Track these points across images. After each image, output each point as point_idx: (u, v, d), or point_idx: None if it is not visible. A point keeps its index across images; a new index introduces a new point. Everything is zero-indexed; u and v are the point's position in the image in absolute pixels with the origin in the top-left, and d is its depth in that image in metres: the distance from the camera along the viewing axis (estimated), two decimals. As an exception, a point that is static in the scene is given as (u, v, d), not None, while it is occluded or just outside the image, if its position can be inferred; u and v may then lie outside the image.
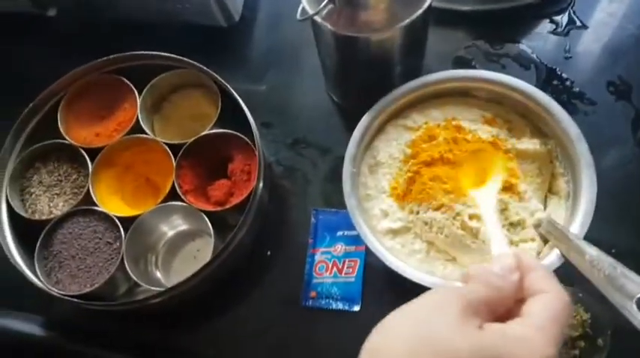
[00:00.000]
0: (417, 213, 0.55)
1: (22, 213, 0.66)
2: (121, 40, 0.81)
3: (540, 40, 0.75)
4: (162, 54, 0.70)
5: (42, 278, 0.62)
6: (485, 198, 0.54)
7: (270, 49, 0.80)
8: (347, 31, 0.56)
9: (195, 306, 0.65)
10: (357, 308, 0.63)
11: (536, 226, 0.54)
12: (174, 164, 0.64)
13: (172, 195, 0.64)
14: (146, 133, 0.67)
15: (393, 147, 0.60)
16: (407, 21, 0.55)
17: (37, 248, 0.63)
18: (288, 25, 0.81)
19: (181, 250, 0.69)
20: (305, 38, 0.76)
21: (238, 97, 0.66)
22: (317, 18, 0.56)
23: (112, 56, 0.71)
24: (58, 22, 0.82)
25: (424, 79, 0.60)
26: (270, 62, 0.79)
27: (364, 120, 0.59)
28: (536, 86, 0.59)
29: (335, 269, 0.65)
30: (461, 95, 0.62)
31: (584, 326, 0.56)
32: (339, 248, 0.66)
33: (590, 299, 0.56)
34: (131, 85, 0.70)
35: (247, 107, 0.65)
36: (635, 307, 0.41)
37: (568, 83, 0.71)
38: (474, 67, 0.73)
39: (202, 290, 0.62)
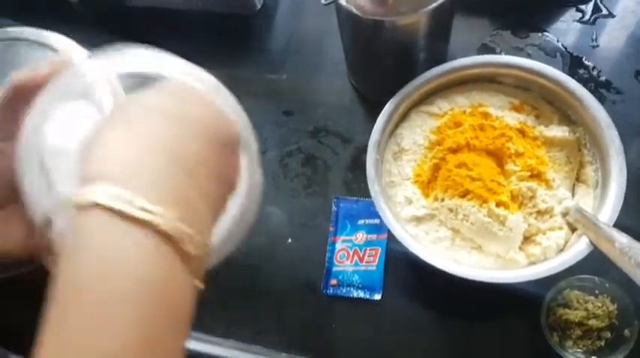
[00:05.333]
0: (442, 200, 0.55)
1: None
2: (142, 28, 0.82)
3: (566, 29, 0.74)
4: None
5: None
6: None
7: (292, 36, 0.80)
8: (372, 15, 0.55)
9: (213, 292, 0.65)
10: (378, 296, 0.62)
11: (564, 214, 0.53)
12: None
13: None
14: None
15: (417, 134, 0.59)
16: (434, 5, 0.54)
17: None
18: (310, 11, 0.81)
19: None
20: (327, 25, 0.75)
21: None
22: (342, 2, 0.55)
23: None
24: (79, 8, 0.82)
25: (450, 64, 0.60)
26: (291, 50, 0.79)
27: (388, 106, 0.59)
28: (563, 74, 0.58)
29: (356, 257, 0.64)
30: (487, 81, 0.61)
31: (611, 317, 0.55)
32: (361, 236, 0.65)
33: (617, 290, 0.55)
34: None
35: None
36: (668, 295, 0.40)
37: (594, 72, 0.70)
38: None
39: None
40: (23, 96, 0.37)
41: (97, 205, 0.26)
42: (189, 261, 0.27)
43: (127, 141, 0.28)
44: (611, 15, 0.74)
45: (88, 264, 0.25)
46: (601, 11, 0.74)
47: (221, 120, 0.32)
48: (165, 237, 0.26)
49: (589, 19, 0.74)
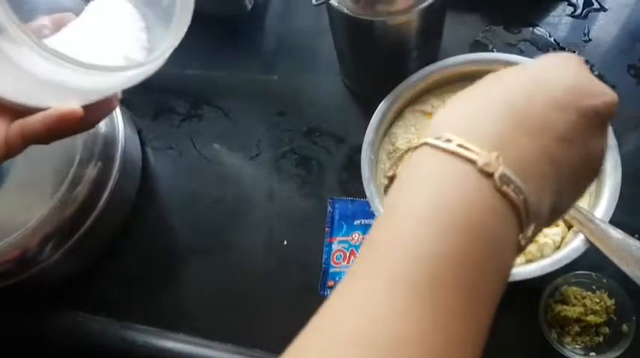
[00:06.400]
0: (438, 199, 0.54)
1: None
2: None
3: (558, 23, 0.73)
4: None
5: None
6: None
7: (283, 36, 0.79)
8: (364, 15, 0.54)
9: (209, 295, 0.65)
10: (375, 297, 0.62)
11: (560, 211, 0.53)
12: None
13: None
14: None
15: (411, 133, 0.59)
16: (425, 4, 0.54)
17: None
18: (301, 12, 0.80)
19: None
20: (318, 25, 0.75)
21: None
22: (333, 2, 0.55)
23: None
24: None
25: (443, 62, 0.59)
26: (283, 50, 0.78)
27: (382, 106, 0.58)
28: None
29: (353, 258, 0.64)
30: (480, 79, 0.60)
31: (609, 312, 0.55)
32: (357, 237, 0.65)
33: (615, 285, 0.55)
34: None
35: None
36: (666, 291, 0.40)
37: (587, 67, 0.70)
38: (491, 52, 0.72)
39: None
40: None
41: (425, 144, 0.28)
42: (513, 206, 0.26)
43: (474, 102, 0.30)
44: (602, 9, 0.74)
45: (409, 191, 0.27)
46: (593, 5, 0.74)
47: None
48: (485, 174, 0.26)
49: (581, 13, 0.74)
